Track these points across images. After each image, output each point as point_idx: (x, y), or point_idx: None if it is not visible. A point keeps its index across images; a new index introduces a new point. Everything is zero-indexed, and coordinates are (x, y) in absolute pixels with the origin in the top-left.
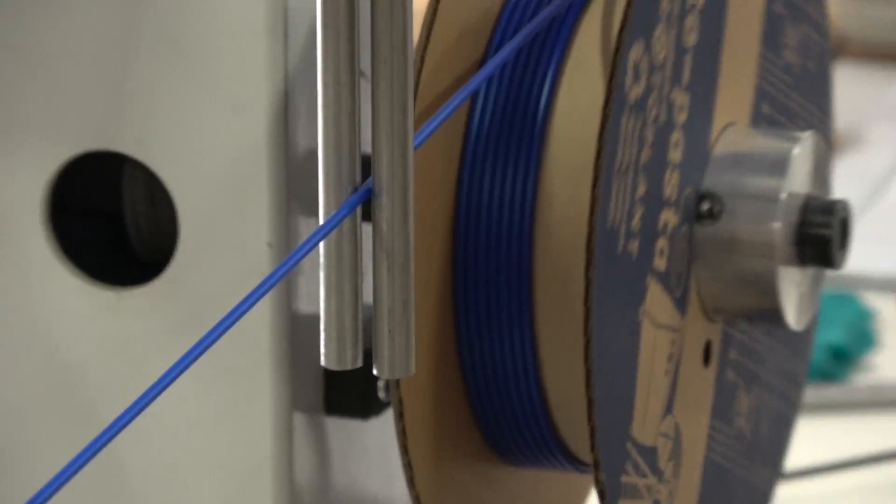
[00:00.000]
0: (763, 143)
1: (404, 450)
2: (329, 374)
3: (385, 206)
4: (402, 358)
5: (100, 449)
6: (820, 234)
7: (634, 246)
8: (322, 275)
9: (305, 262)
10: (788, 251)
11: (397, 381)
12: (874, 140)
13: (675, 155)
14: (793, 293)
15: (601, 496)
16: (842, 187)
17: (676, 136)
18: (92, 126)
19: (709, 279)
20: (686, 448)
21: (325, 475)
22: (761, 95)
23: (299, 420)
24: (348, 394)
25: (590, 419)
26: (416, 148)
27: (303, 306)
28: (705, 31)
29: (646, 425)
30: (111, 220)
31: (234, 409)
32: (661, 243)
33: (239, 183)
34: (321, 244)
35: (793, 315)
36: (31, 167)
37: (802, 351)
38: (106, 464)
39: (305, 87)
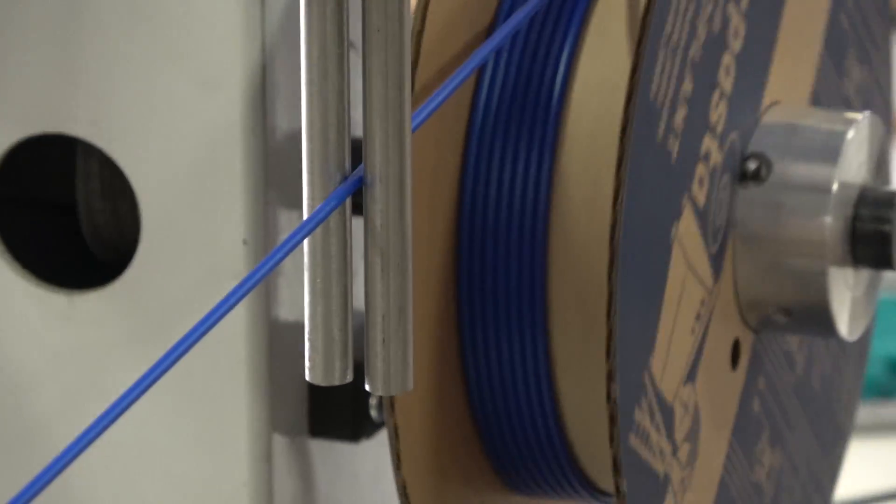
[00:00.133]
0: (814, 123)
1: (399, 475)
2: (314, 391)
3: (378, 197)
4: (397, 372)
5: (51, 480)
6: (877, 231)
7: (675, 146)
8: (306, 277)
9: (287, 262)
10: (840, 250)
11: (392, 399)
12: None
13: (726, 82)
14: (845, 297)
15: (611, 419)
16: None
17: (728, 60)
18: (39, 105)
19: (748, 258)
20: (703, 450)
21: None
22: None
23: (280, 443)
24: (336, 413)
25: (608, 343)
26: (413, 131)
27: (284, 313)
28: None
29: (665, 372)
30: (63, 213)
31: (206, 430)
32: (701, 170)
33: (210, 171)
34: (305, 241)
35: (845, 322)
36: None
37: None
38: (58, 496)
39: (286, 59)
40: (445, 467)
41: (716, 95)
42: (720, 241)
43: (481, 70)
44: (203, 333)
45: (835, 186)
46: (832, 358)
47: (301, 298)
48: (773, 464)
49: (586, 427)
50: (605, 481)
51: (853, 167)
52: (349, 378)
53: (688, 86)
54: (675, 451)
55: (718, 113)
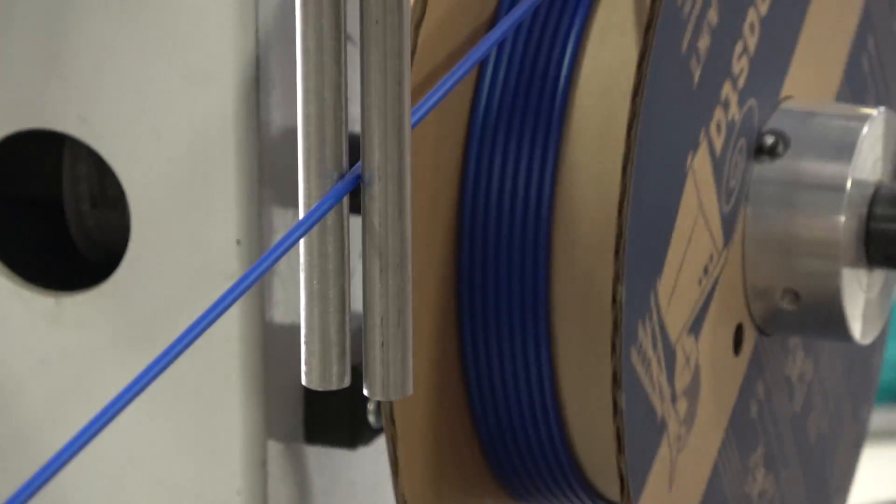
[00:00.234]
0: (829, 114)
1: (398, 483)
2: (310, 396)
3: (377, 195)
4: (396, 376)
5: (39, 487)
6: (891, 231)
7: (696, 70)
8: (302, 278)
9: (282, 262)
10: (854, 250)
11: (391, 404)
12: None
13: (750, 40)
14: (858, 299)
15: (615, 326)
16: None
17: (753, 18)
18: (26, 101)
19: (759, 237)
20: (700, 420)
21: None
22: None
23: (275, 449)
24: (333, 419)
25: (617, 255)
26: (413, 126)
27: (279, 315)
28: None
29: (671, 305)
30: (50, 212)
31: (199, 436)
32: (720, 115)
33: (202, 168)
34: (301, 241)
35: (858, 325)
36: None
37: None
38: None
39: (281, 52)
40: (445, 475)
41: (739, 47)
42: (732, 205)
43: (483, 64)
44: (196, 336)
45: (848, 185)
46: (829, 417)
47: (297, 300)
48: (766, 489)
49: (590, 433)
50: (609, 488)
51: (868, 164)
52: (346, 382)
53: (714, 16)
54: (673, 399)
55: (741, 66)
